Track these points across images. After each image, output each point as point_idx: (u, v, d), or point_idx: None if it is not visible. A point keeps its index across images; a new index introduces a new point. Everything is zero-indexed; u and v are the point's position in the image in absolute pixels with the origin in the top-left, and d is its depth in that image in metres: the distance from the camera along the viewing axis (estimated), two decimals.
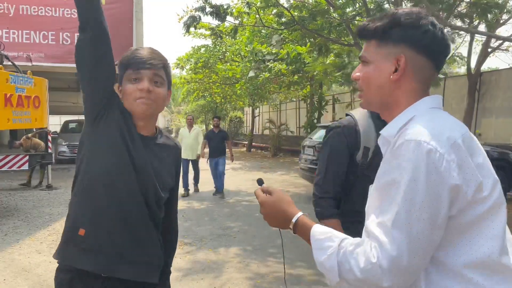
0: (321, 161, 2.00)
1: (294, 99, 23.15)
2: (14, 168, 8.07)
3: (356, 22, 9.23)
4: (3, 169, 7.84)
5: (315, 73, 12.56)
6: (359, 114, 1.98)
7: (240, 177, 12.40)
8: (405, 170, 0.97)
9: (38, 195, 9.09)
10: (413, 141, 0.98)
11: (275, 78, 15.04)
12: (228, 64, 18.13)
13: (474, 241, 1.00)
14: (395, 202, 0.97)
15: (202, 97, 25.18)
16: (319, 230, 1.11)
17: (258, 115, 27.53)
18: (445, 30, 1.11)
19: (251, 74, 13.91)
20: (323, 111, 16.38)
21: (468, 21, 9.50)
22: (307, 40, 12.33)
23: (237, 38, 16.03)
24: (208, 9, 9.65)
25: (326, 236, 1.08)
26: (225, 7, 10.08)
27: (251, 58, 14.13)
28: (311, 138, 9.29)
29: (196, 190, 9.69)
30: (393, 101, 1.13)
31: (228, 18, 10.87)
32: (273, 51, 13.49)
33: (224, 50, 18.73)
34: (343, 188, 1.96)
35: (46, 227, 6.35)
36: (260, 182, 1.41)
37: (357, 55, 11.52)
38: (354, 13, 9.64)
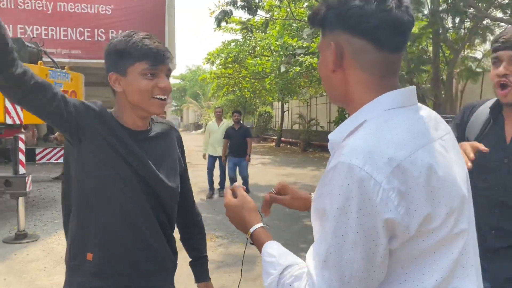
0: None
1: (325, 94, 22.88)
2: (51, 160, 8.34)
3: None
4: (42, 161, 8.12)
5: None
6: (486, 103, 1.84)
7: (270, 171, 12.40)
8: (335, 200, 0.82)
9: None
10: (346, 164, 0.82)
11: (305, 73, 14.89)
12: (258, 58, 18.09)
13: (418, 275, 0.85)
14: (326, 237, 0.85)
15: (231, 92, 25.27)
16: (267, 251, 1.04)
17: (288, 110, 27.41)
18: (393, 0, 0.90)
19: (282, 69, 13.82)
20: None
21: (509, 11, 9.09)
22: None
23: (268, 32, 15.96)
24: (239, 2, 9.64)
25: (270, 260, 1.01)
26: (256, 0, 10.04)
27: (282, 53, 14.02)
28: None
29: (221, 195, 8.56)
30: (344, 96, 0.98)
31: (259, 12, 10.84)
32: (304, 45, 13.33)
33: (254, 44, 18.71)
34: None
35: None
36: (232, 181, 1.38)
37: None
38: None
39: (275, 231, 5.94)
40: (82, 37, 10.84)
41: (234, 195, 1.25)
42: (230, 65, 19.06)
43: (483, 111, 1.75)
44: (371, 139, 0.85)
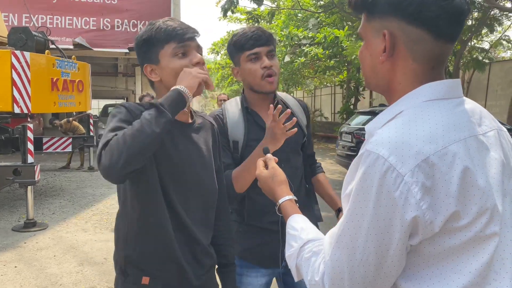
0: None
1: (329, 85, 22.77)
2: (58, 150, 8.38)
3: None
4: (49, 150, 8.16)
5: (353, 57, 12.29)
6: (232, 104, 1.88)
7: None
8: (358, 187, 0.82)
9: (80, 176, 9.44)
10: (371, 153, 0.81)
11: (311, 63, 14.83)
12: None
13: (444, 276, 0.82)
14: (344, 219, 0.86)
15: (236, 82, 25.21)
16: (291, 224, 1.08)
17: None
18: None
19: (287, 59, 13.76)
20: (360, 96, 16.04)
21: None
22: (345, 24, 12.05)
23: (273, 22, 15.87)
24: None
25: (293, 233, 1.04)
26: None
27: (287, 43, 13.95)
28: (349, 124, 9.14)
29: None
30: (389, 86, 0.93)
31: (265, 2, 10.77)
32: (310, 35, 13.26)
33: None
34: None
35: (90, 207, 6.59)
36: (266, 150, 1.39)
37: None
38: None
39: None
40: (87, 26, 10.82)
41: (266, 166, 1.29)
42: None
43: (234, 114, 1.84)
44: (402, 130, 0.82)
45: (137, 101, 5.17)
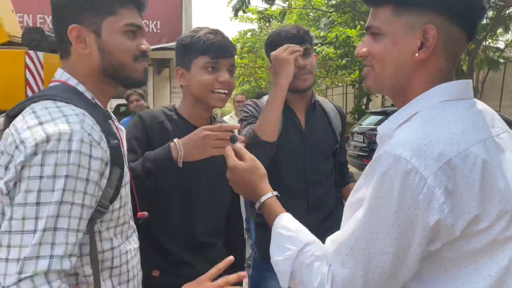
0: None
1: (341, 84, 22.67)
2: None
3: None
4: None
5: None
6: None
7: None
8: (376, 189, 0.79)
9: None
10: (392, 155, 0.78)
11: (322, 63, 14.76)
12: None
13: (463, 280, 0.79)
14: (358, 225, 0.81)
15: (247, 82, 25.24)
16: (284, 224, 0.98)
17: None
18: None
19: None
20: (371, 96, 15.92)
21: None
22: (357, 23, 11.97)
23: (285, 21, 15.85)
24: None
25: (289, 234, 0.95)
26: None
27: None
28: (361, 125, 9.09)
29: None
30: (410, 84, 0.89)
31: (277, 1, 10.76)
32: (321, 35, 13.20)
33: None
34: None
35: None
36: (233, 139, 1.27)
37: None
38: None
39: None
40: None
41: (240, 157, 1.12)
42: (246, 55, 19.00)
43: None
44: (422, 131, 0.80)
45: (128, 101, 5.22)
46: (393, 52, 0.88)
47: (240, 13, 11.41)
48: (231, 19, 12.34)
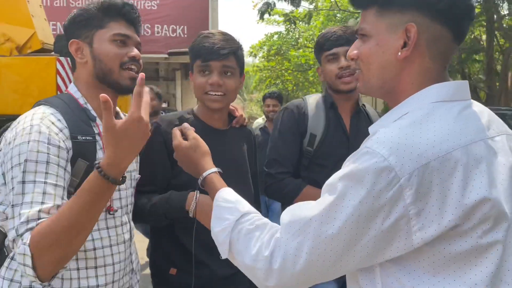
0: (272, 141, 1.84)
1: None
2: None
3: None
4: None
5: None
6: (313, 99, 1.86)
7: None
8: (349, 180, 0.80)
9: None
10: (371, 151, 0.79)
11: None
12: (301, 50, 17.93)
13: (446, 285, 0.78)
14: (318, 207, 0.82)
15: (274, 85, 25.26)
16: (224, 197, 1.00)
17: None
18: None
19: None
20: None
21: None
22: None
23: (312, 23, 15.76)
24: None
25: (228, 205, 0.97)
26: None
27: None
28: None
29: None
30: (399, 85, 0.89)
31: (303, 3, 10.72)
32: None
33: (297, 36, 18.54)
34: (296, 169, 1.81)
35: None
36: (182, 120, 1.37)
37: None
38: None
39: None
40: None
41: (184, 137, 1.20)
42: (273, 58, 19.02)
43: (316, 109, 1.81)
44: (406, 131, 0.80)
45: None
46: (378, 53, 0.89)
47: (266, 16, 11.42)
48: (258, 22, 12.37)
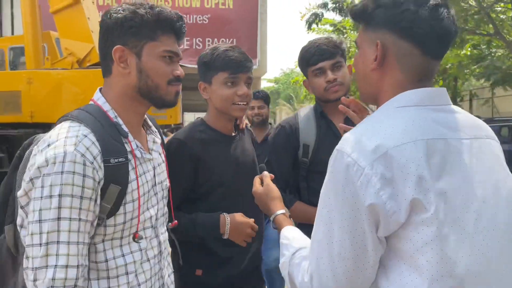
0: (268, 157, 1.94)
1: None
2: None
3: (497, 8, 8.23)
4: None
5: (448, 66, 11.55)
6: (305, 111, 1.92)
7: None
8: (327, 184, 0.91)
9: None
10: (338, 151, 0.90)
11: None
12: (351, 59, 17.71)
13: (402, 273, 0.85)
14: (318, 219, 0.92)
15: None
16: (284, 234, 1.14)
17: None
18: (445, 9, 0.91)
19: None
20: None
21: None
22: None
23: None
24: (330, 5, 9.57)
25: (286, 242, 1.10)
26: (349, 1, 9.89)
27: None
28: None
29: None
30: (378, 94, 0.99)
31: None
32: None
33: (348, 45, 18.35)
34: (289, 184, 1.90)
35: None
36: (262, 168, 1.47)
37: (499, 45, 10.11)
38: None
39: None
40: (181, 46, 11.62)
41: (262, 183, 1.36)
42: None
43: (307, 120, 1.88)
44: (365, 128, 0.91)
45: None
46: (360, 63, 1.03)
47: (315, 26, 11.45)
48: (307, 32, 12.41)
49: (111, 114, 1.17)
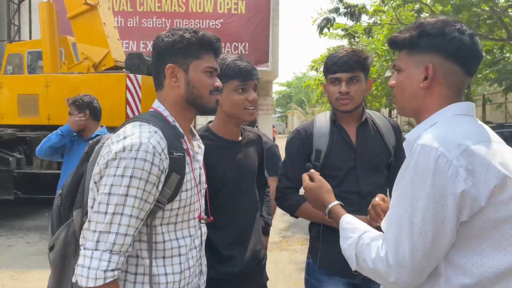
0: (284, 158, 2.07)
1: None
2: None
3: (510, 13, 8.19)
4: None
5: None
6: (321, 117, 2.02)
7: None
8: (416, 173, 1.05)
9: None
10: (425, 146, 1.05)
11: None
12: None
13: (494, 250, 1.03)
14: (403, 202, 1.07)
15: None
16: (346, 220, 1.28)
17: (396, 117, 26.21)
18: (474, 35, 1.15)
19: (388, 73, 13.36)
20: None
21: None
22: None
23: (375, 37, 15.53)
24: (342, 9, 9.62)
25: (350, 226, 1.24)
26: (360, 6, 9.92)
27: (388, 57, 13.55)
28: None
29: None
30: (424, 107, 1.18)
31: (363, 17, 10.67)
32: None
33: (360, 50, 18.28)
34: (300, 185, 1.95)
35: None
36: (309, 167, 1.56)
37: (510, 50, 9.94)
38: (509, 3, 8.57)
39: None
40: None
41: (311, 179, 1.48)
42: None
43: (321, 126, 1.98)
44: (445, 130, 1.08)
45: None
46: (407, 83, 1.20)
47: (327, 30, 11.48)
48: (319, 37, 12.45)
49: (170, 119, 1.43)
